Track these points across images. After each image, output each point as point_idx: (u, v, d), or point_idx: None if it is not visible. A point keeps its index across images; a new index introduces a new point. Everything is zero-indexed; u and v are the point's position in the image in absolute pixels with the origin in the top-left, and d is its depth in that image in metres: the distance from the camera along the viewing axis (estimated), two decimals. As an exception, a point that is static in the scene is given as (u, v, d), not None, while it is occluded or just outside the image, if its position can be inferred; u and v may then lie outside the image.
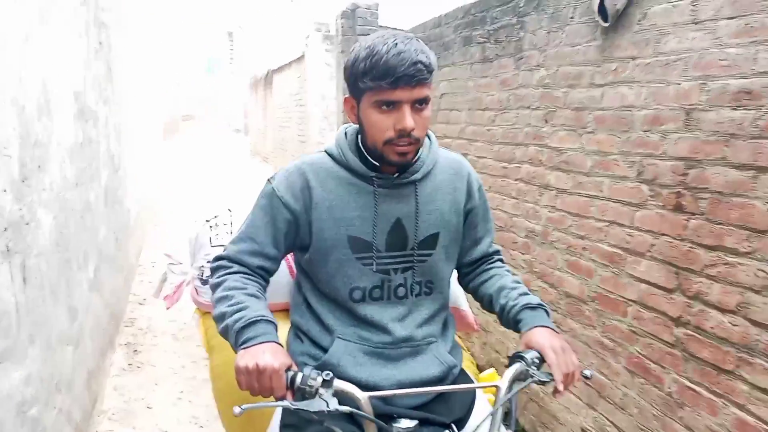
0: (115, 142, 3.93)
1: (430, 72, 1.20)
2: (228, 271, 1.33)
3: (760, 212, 1.61)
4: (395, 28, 6.13)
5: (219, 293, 1.28)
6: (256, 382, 1.10)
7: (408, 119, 1.20)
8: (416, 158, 1.34)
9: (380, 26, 6.19)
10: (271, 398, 1.13)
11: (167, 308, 2.12)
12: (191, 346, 3.64)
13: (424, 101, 1.23)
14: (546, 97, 2.59)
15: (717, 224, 1.75)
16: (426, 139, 1.38)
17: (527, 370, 1.22)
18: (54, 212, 2.08)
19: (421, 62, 1.16)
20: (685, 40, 1.84)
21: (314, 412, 1.07)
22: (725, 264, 1.72)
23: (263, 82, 14.77)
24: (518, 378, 1.23)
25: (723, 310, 1.74)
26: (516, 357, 1.25)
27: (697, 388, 1.84)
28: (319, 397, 1.08)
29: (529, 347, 1.27)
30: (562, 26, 2.46)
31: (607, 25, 2.13)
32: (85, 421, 2.49)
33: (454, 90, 3.48)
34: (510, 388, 1.21)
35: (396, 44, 1.16)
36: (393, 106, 1.20)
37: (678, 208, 1.89)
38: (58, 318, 2.10)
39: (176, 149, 14.18)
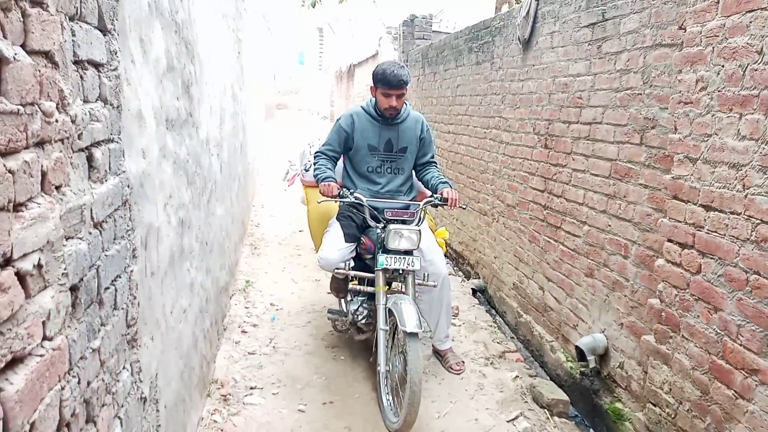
0: (244, 115, 5.97)
1: (406, 83, 3.01)
2: (320, 158, 3.21)
3: (567, 144, 3.28)
4: (447, 33, 7.82)
5: (316, 167, 3.17)
6: (326, 189, 2.96)
7: (393, 102, 3.03)
8: (398, 115, 3.14)
9: (433, 32, 7.92)
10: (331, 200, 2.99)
11: (289, 185, 4.09)
12: (289, 248, 5.62)
13: (401, 95, 3.05)
14: (502, 87, 4.29)
15: (557, 152, 3.42)
16: (405, 106, 3.19)
17: (433, 200, 3.02)
18: (228, 143, 4.06)
19: (401, 79, 2.98)
20: (549, 56, 3.51)
21: (344, 201, 2.94)
22: (559, 172, 3.40)
23: (346, 75, 16.82)
24: (429, 203, 3.03)
25: (557, 196, 3.42)
26: (430, 196, 3.06)
27: (550, 240, 3.53)
28: (347, 197, 2.93)
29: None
30: (509, 44, 4.15)
31: (521, 46, 3.82)
32: (233, 267, 4.50)
33: (464, 83, 5.21)
34: (424, 206, 3.02)
35: (393, 69, 2.98)
36: (388, 95, 3.03)
37: (546, 147, 3.57)
38: (230, 189, 4.08)
39: (273, 132, 16.53)
